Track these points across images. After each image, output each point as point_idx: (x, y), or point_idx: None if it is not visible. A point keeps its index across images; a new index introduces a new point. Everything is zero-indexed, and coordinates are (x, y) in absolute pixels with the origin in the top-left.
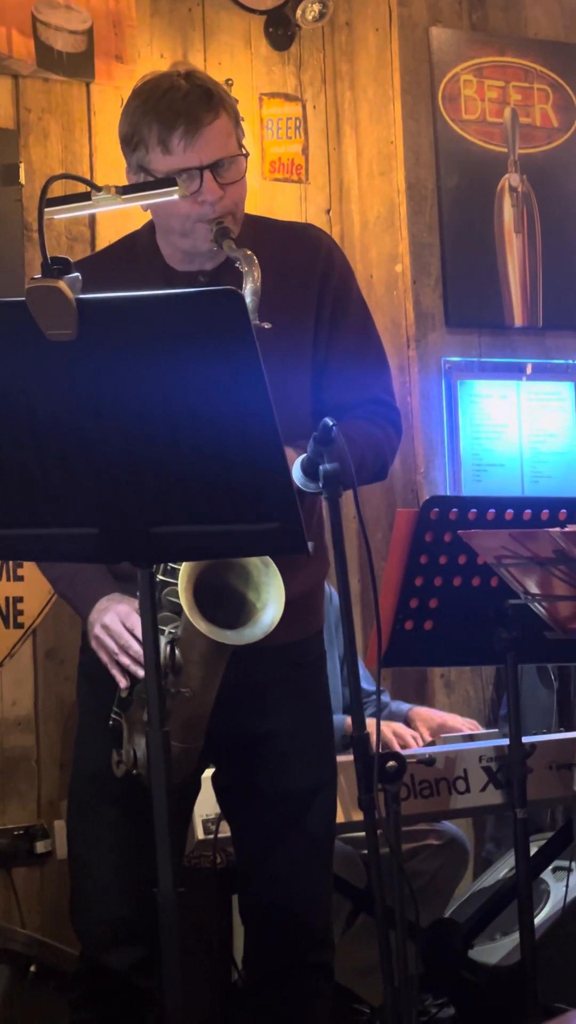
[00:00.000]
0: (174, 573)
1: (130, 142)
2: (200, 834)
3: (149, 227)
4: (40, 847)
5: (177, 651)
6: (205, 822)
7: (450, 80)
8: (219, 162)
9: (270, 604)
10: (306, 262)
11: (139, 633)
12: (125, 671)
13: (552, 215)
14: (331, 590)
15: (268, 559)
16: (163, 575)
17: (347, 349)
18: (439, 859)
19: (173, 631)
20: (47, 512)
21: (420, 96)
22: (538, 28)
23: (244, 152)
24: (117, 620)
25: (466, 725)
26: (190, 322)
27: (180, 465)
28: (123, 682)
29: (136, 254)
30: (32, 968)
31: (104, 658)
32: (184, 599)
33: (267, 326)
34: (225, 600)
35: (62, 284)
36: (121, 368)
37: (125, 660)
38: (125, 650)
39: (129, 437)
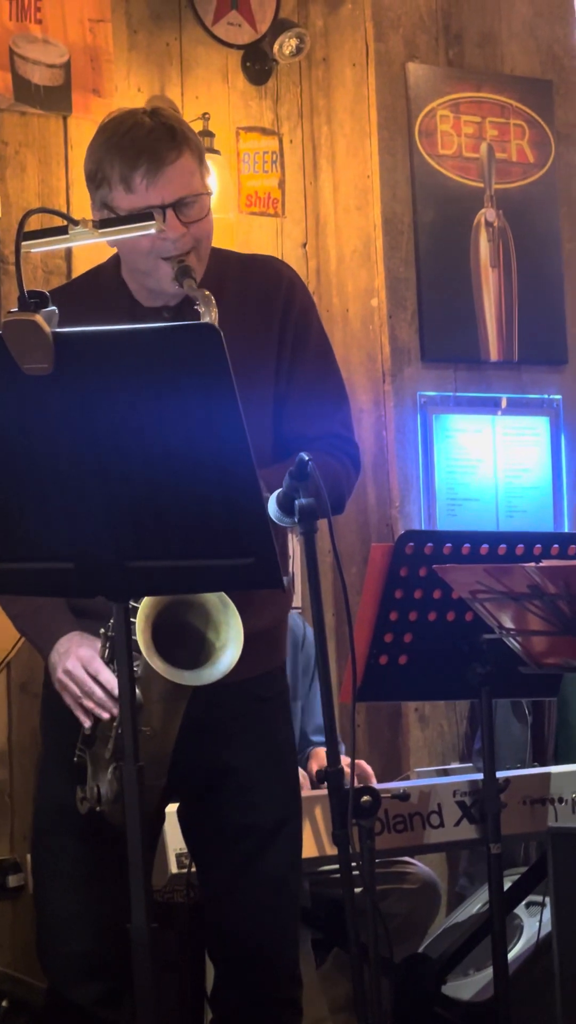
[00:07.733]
0: (133, 612)
1: (94, 179)
2: (173, 868)
3: (115, 261)
4: (12, 881)
5: (137, 690)
6: (178, 856)
7: (427, 115)
8: (182, 200)
9: (230, 644)
10: (267, 295)
11: (102, 678)
12: (89, 713)
13: (528, 250)
14: (306, 627)
15: (227, 598)
16: None
17: (307, 381)
18: (410, 901)
19: (134, 669)
20: (23, 546)
21: (397, 131)
22: (514, 64)
23: (208, 191)
24: (79, 665)
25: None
26: (167, 356)
27: (156, 500)
28: (87, 723)
29: (101, 288)
30: (3, 1003)
31: (68, 701)
32: (142, 639)
33: None
34: (184, 639)
35: (39, 318)
36: (97, 402)
37: (89, 704)
38: (89, 695)
39: (105, 471)
